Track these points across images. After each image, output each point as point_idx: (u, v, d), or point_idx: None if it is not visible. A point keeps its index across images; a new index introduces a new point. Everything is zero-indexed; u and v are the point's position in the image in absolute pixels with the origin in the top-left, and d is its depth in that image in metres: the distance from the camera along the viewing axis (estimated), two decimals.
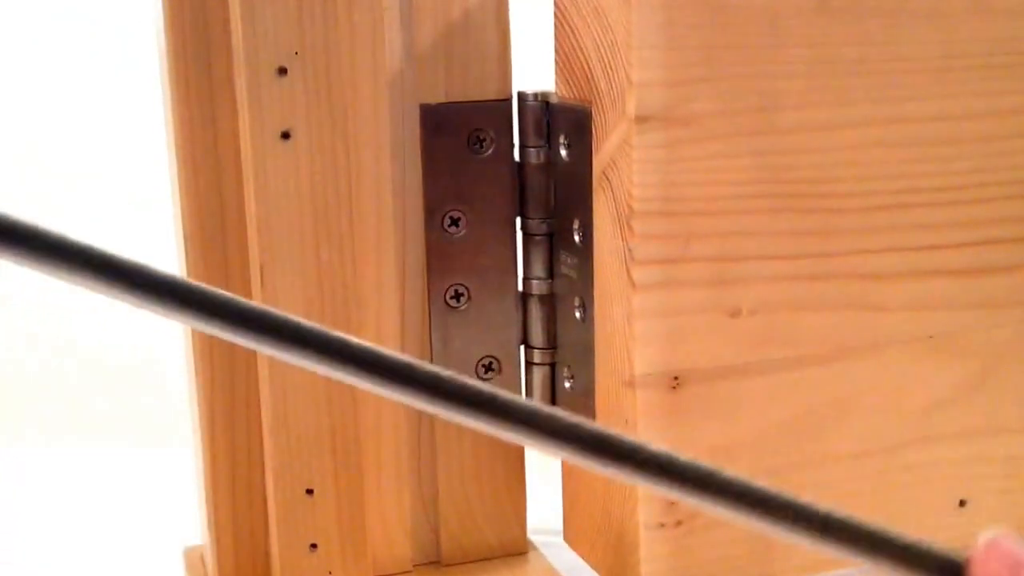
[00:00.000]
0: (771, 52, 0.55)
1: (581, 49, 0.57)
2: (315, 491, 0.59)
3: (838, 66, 0.56)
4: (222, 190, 0.57)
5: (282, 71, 0.53)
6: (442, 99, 0.59)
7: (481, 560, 0.66)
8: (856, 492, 0.63)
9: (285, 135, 0.55)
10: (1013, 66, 0.60)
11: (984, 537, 0.50)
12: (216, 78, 0.56)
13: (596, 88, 0.56)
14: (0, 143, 1.30)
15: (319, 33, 0.54)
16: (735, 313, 0.58)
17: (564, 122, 0.59)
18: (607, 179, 0.56)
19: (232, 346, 0.59)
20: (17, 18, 1.23)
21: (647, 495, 0.58)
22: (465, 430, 0.63)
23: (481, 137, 0.60)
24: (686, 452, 0.58)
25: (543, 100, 0.60)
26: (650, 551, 0.58)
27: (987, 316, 0.63)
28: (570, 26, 0.57)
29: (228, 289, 0.58)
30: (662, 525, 0.58)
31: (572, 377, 0.62)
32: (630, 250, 0.55)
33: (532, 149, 0.60)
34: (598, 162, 0.56)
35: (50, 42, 1.20)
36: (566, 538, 0.66)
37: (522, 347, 0.64)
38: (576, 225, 0.59)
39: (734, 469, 0.59)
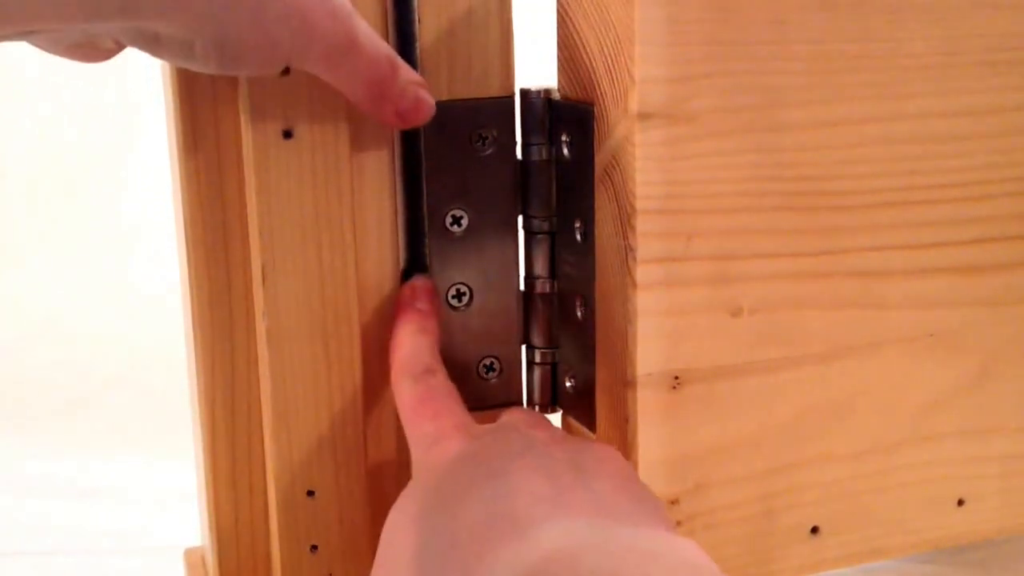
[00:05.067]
0: (774, 48, 0.55)
1: (583, 46, 0.57)
2: (316, 492, 0.59)
3: (840, 62, 0.56)
4: (224, 189, 0.57)
5: (284, 69, 0.53)
6: (444, 96, 0.59)
7: None
8: (855, 491, 0.63)
9: (287, 133, 0.55)
10: (1016, 62, 0.60)
11: None
12: (218, 76, 0.56)
13: (598, 85, 0.56)
14: (3, 146, 1.30)
15: None
16: (736, 312, 0.58)
17: (566, 119, 0.59)
18: (609, 177, 0.56)
19: (233, 347, 0.59)
20: None
21: None
22: None
23: (483, 135, 0.60)
24: (686, 452, 0.59)
25: (546, 97, 0.60)
26: None
27: (988, 314, 0.63)
28: (572, 22, 0.57)
29: (230, 289, 0.58)
30: None
31: (573, 377, 0.62)
32: (632, 248, 0.55)
33: (534, 147, 0.60)
34: (600, 160, 0.56)
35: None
36: None
37: (523, 347, 0.64)
38: (578, 223, 0.59)
39: (734, 469, 0.60)
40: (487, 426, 0.56)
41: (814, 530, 0.62)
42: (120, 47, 0.51)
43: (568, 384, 0.62)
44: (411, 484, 0.53)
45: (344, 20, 0.52)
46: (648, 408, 0.57)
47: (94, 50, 0.52)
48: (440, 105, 0.58)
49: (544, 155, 0.60)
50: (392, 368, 0.58)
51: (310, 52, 0.51)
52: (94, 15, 0.45)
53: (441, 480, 0.51)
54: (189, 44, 0.48)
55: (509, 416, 0.59)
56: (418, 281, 0.60)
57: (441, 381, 0.57)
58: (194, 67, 0.50)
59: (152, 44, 0.49)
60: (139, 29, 0.48)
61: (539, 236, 0.62)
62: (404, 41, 0.57)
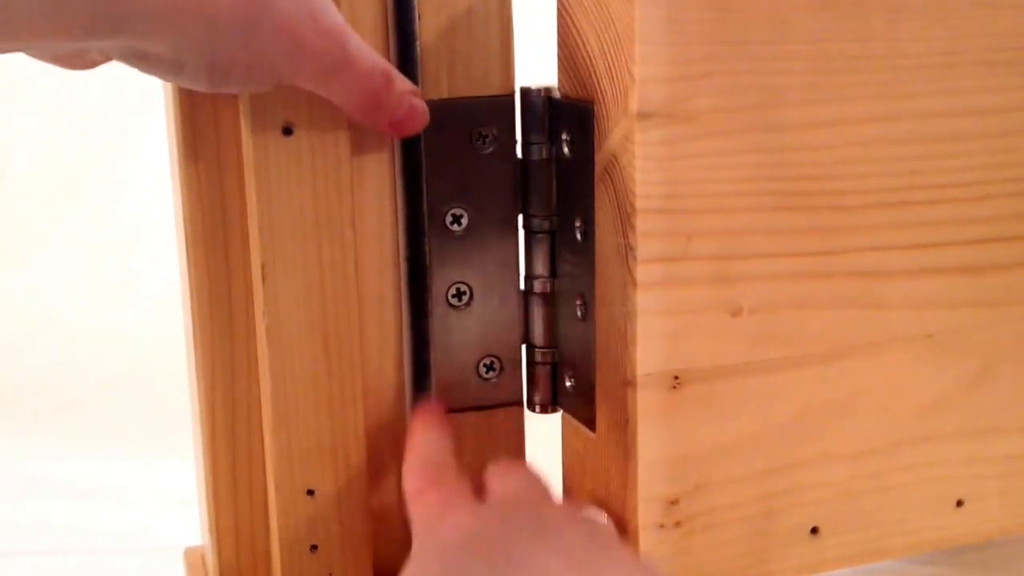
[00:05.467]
0: (773, 48, 0.55)
1: (584, 44, 0.57)
2: (316, 492, 0.59)
3: (840, 62, 0.57)
4: (224, 187, 0.57)
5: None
6: (444, 95, 0.59)
7: None
8: (855, 492, 0.63)
9: (287, 130, 0.55)
10: (1016, 62, 0.60)
11: None
12: None
13: (598, 84, 0.56)
14: (3, 146, 1.30)
15: None
16: (736, 312, 0.58)
17: (566, 118, 0.59)
18: (609, 176, 0.56)
19: (233, 347, 0.59)
20: None
21: (647, 496, 0.58)
22: (466, 430, 0.63)
23: (483, 133, 0.60)
24: (686, 452, 0.59)
25: (546, 96, 0.60)
26: (650, 551, 0.58)
27: (988, 315, 0.63)
28: (573, 21, 0.57)
29: (230, 288, 0.58)
30: (662, 526, 0.58)
31: (573, 377, 0.62)
32: (631, 248, 0.55)
33: (535, 145, 0.60)
34: (600, 159, 0.56)
35: None
36: None
37: (524, 346, 0.64)
38: (578, 223, 0.59)
39: (734, 469, 0.60)
40: (492, 501, 0.55)
41: (814, 530, 0.62)
42: (106, 59, 0.51)
43: (568, 383, 0.62)
44: (414, 561, 0.52)
45: (336, 37, 0.52)
46: (648, 408, 0.57)
47: (80, 60, 0.52)
48: (440, 104, 0.58)
49: (544, 154, 0.60)
50: (404, 463, 0.59)
51: (301, 70, 0.51)
52: (88, 34, 0.45)
53: (453, 562, 0.50)
54: (179, 63, 0.48)
55: (512, 487, 0.58)
56: (431, 402, 0.61)
57: (452, 473, 0.57)
58: (183, 84, 0.51)
59: (141, 61, 0.49)
60: (130, 47, 0.48)
61: (539, 235, 0.62)
62: (404, 39, 0.57)
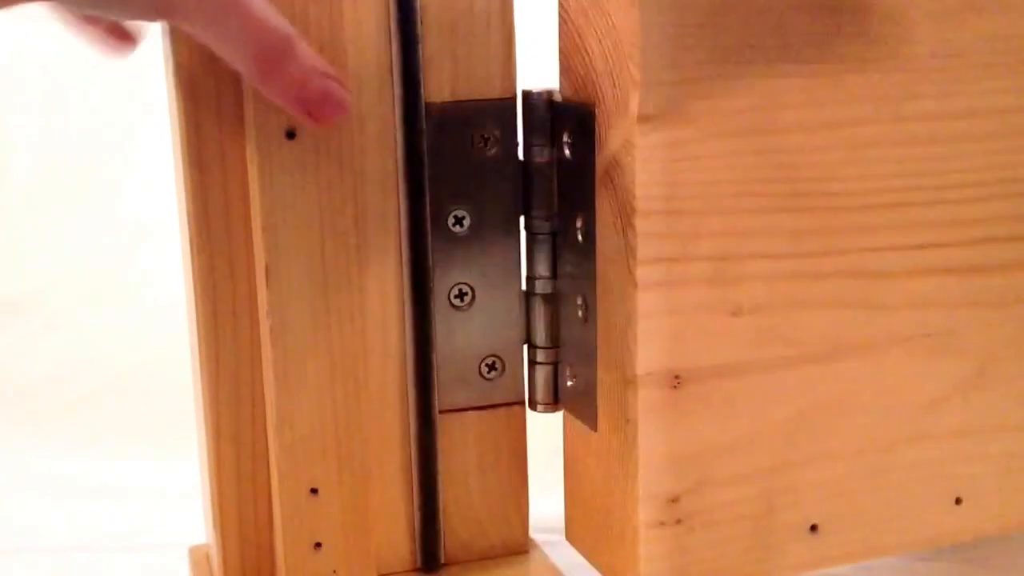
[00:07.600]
0: (774, 51, 0.55)
1: (585, 48, 0.57)
2: (319, 490, 0.59)
3: (841, 65, 0.57)
4: (227, 189, 0.58)
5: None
6: (447, 98, 0.59)
7: (483, 559, 0.66)
8: (854, 490, 0.63)
9: (290, 134, 0.55)
10: (1013, 64, 0.60)
11: None
12: (221, 76, 0.56)
13: (599, 87, 0.56)
14: (7, 142, 1.29)
15: (324, 30, 0.54)
16: (736, 312, 0.58)
17: (568, 121, 0.59)
18: (610, 178, 0.56)
19: (237, 346, 0.59)
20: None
21: (648, 494, 0.58)
22: (468, 429, 0.64)
23: (485, 136, 0.60)
24: (687, 450, 0.59)
25: (548, 99, 0.60)
26: (650, 549, 0.59)
27: (985, 314, 0.63)
28: (574, 24, 0.57)
29: (234, 288, 0.59)
30: (662, 523, 0.59)
31: (574, 376, 0.62)
32: (632, 248, 0.55)
33: (536, 148, 0.61)
34: (601, 161, 0.57)
35: (54, 42, 1.20)
36: (568, 536, 0.66)
37: (525, 346, 0.64)
38: (579, 224, 0.59)
39: (734, 467, 0.60)
40: None
41: (813, 528, 0.62)
42: (138, 34, 0.49)
43: (569, 383, 0.63)
44: None
45: None
46: (649, 407, 0.57)
47: (113, 37, 0.50)
48: (443, 106, 0.59)
49: (546, 156, 0.61)
50: None
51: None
52: None
53: None
54: None
55: None
56: None
57: None
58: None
59: None
60: None
61: (540, 236, 0.62)
62: (407, 42, 0.58)
